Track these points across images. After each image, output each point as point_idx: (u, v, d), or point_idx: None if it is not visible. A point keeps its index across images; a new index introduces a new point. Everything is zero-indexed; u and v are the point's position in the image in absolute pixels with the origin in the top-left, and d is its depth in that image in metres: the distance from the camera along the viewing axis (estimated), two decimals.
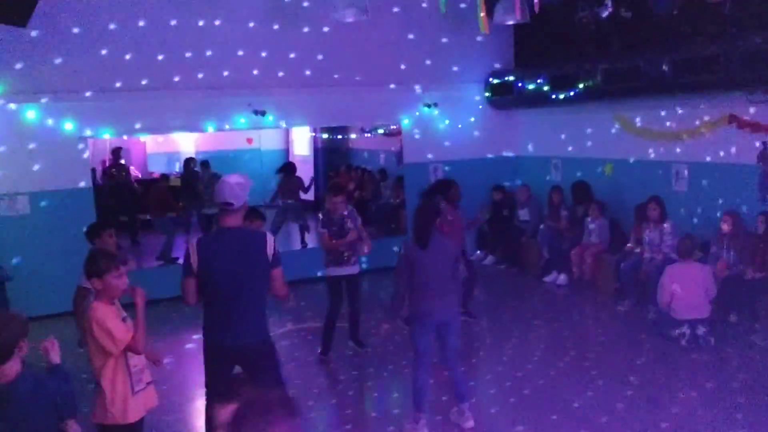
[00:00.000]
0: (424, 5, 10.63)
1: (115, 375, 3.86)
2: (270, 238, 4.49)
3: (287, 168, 12.59)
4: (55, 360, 3.50)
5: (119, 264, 3.90)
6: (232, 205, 4.38)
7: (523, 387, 6.28)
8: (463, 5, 10.26)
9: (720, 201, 8.44)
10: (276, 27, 9.96)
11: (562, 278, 9.85)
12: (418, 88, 10.90)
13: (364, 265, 7.87)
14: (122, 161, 13.80)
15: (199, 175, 12.79)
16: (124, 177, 13.60)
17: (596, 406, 5.77)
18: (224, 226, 4.47)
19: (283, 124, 10.96)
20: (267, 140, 16.48)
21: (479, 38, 10.32)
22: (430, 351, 5.42)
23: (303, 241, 11.95)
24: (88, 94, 9.08)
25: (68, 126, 9.15)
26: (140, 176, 15.30)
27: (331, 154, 16.10)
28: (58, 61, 8.91)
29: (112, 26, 9.12)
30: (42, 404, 3.20)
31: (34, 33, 8.61)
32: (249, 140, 15.87)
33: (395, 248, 5.19)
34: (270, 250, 4.42)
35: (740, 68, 7.28)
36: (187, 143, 16.23)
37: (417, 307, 5.34)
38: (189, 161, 13.38)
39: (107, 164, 14.01)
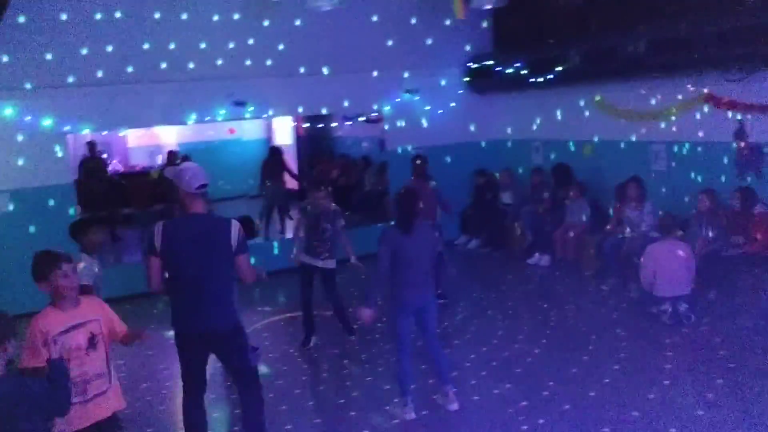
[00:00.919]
0: None
1: None
2: (235, 225, 4.47)
3: (270, 150, 13.09)
4: (54, 355, 3.49)
5: (64, 261, 3.77)
6: (207, 185, 4.46)
7: (508, 367, 6.36)
8: None
9: (698, 179, 8.54)
10: (255, 17, 9.88)
11: (546, 260, 9.94)
12: (403, 75, 10.88)
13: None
14: (104, 155, 13.70)
15: None
16: (101, 170, 13.47)
17: (582, 383, 5.86)
18: (192, 212, 4.46)
19: (265, 115, 10.93)
20: (249, 130, 16.46)
21: (457, 24, 10.30)
22: (410, 336, 5.48)
23: (283, 230, 12.03)
24: (67, 84, 8.97)
25: (47, 122, 9.07)
26: (122, 170, 15.22)
27: (313, 143, 16.08)
28: (35, 56, 8.81)
29: (97, 17, 8.99)
30: (24, 407, 3.15)
31: (21, 19, 8.52)
32: (231, 130, 15.83)
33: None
34: (234, 238, 4.41)
35: (715, 47, 7.36)
36: (168, 135, 16.15)
37: (397, 295, 5.37)
38: (171, 155, 13.32)
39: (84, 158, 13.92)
